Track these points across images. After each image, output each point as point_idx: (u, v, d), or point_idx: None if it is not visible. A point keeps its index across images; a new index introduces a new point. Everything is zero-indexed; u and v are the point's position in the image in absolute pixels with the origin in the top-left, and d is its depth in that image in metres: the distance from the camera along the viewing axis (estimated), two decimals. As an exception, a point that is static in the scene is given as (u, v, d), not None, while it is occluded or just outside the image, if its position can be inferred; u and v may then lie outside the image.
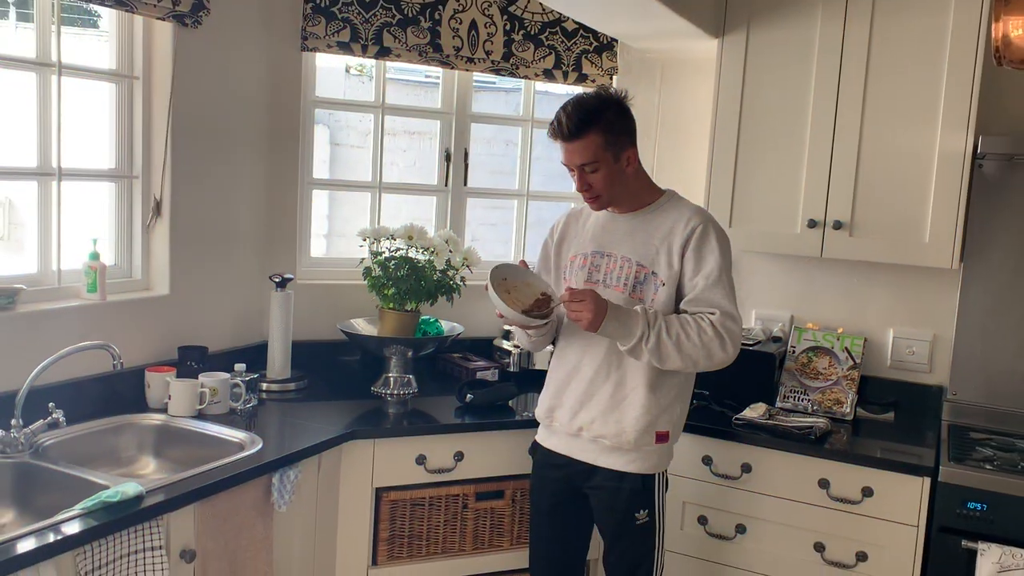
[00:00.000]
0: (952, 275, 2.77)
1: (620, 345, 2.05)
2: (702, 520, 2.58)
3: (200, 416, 2.38)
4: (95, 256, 2.40)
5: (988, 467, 2.31)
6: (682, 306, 2.11)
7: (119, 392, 2.42)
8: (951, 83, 2.50)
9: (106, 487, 1.81)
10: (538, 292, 2.15)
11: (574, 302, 2.00)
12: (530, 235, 3.42)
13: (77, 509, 1.71)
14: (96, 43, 2.57)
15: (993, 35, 1.65)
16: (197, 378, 2.42)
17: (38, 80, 2.30)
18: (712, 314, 2.05)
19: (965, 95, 2.48)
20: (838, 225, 2.64)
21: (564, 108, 2.08)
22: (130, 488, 1.78)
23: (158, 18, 2.45)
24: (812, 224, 2.68)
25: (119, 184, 2.56)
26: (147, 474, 2.27)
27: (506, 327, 3.09)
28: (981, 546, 2.19)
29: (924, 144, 2.54)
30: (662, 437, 2.15)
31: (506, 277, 2.13)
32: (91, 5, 2.32)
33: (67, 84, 2.35)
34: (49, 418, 2.10)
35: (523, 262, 2.26)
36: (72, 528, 1.66)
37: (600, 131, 2.05)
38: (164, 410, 2.39)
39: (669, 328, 2.02)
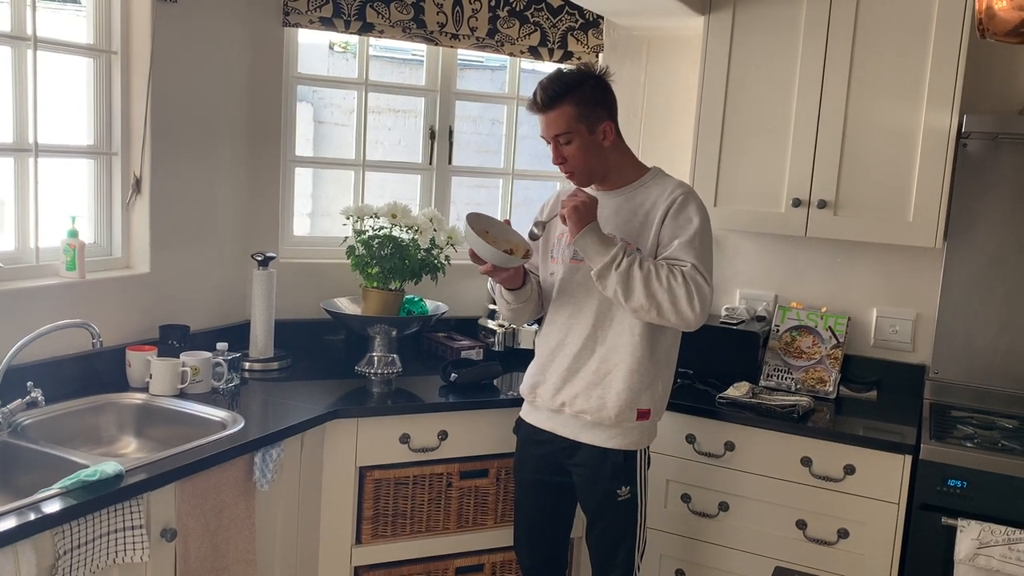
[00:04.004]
0: (935, 254, 2.78)
1: (592, 265, 2.04)
2: (685, 498, 2.59)
3: (182, 395, 2.36)
4: (74, 234, 2.37)
5: (969, 445, 2.33)
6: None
7: (99, 371, 2.40)
8: (936, 61, 2.49)
9: (85, 466, 1.79)
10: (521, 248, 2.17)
11: (575, 196, 2.04)
12: (516, 214, 3.40)
13: (56, 488, 1.70)
14: (74, 18, 2.52)
15: (977, 7, 1.63)
16: (179, 357, 2.40)
17: (13, 55, 2.26)
18: (684, 266, 2.04)
19: (950, 74, 2.48)
20: (822, 204, 2.64)
21: (542, 81, 2.10)
22: (109, 467, 1.77)
23: (136, -9, 2.41)
24: (797, 203, 2.67)
25: (98, 161, 2.53)
26: (128, 453, 2.26)
27: (490, 306, 3.08)
28: (961, 523, 2.21)
29: (909, 123, 2.54)
30: (643, 414, 2.15)
31: (488, 230, 2.14)
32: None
33: (44, 59, 2.31)
34: (28, 397, 2.08)
35: (507, 221, 2.25)
36: (50, 507, 1.64)
37: (573, 102, 2.07)
38: (145, 389, 2.37)
39: (642, 262, 2.02)
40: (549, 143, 2.13)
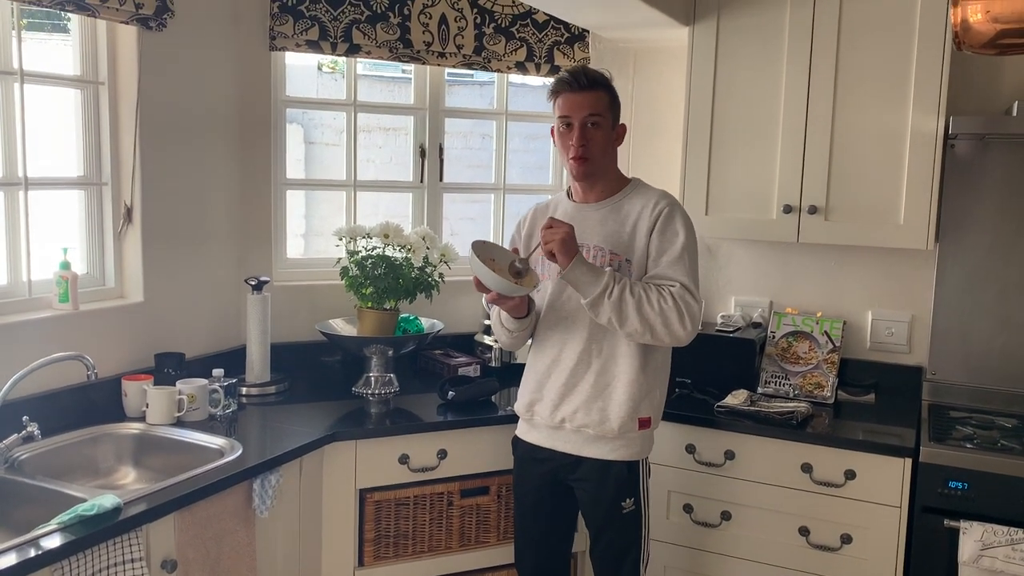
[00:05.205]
0: (928, 256, 2.78)
1: (583, 296, 2.04)
2: (687, 508, 2.58)
3: (179, 423, 2.36)
4: (66, 265, 2.37)
5: (968, 446, 2.32)
6: (643, 280, 2.12)
7: (96, 402, 2.39)
8: (921, 65, 2.50)
9: (83, 500, 1.78)
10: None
11: (552, 228, 2.03)
12: (508, 228, 3.41)
13: (53, 524, 1.69)
14: (63, 48, 2.52)
15: (952, 20, 1.64)
16: (175, 385, 2.40)
17: (0, 88, 2.26)
18: (672, 286, 2.06)
19: (935, 76, 2.49)
20: (813, 210, 2.64)
21: (575, 69, 2.17)
22: (107, 500, 1.76)
23: (121, 22, 2.41)
24: (787, 210, 2.68)
25: (88, 191, 2.53)
26: (126, 484, 2.25)
27: (486, 321, 3.08)
28: (963, 525, 2.21)
29: (896, 126, 2.55)
30: (644, 423, 2.16)
31: (493, 258, 2.13)
32: (54, 11, 2.28)
33: (31, 91, 2.32)
34: (24, 432, 2.07)
35: (516, 250, 2.25)
36: (49, 543, 1.63)
37: (608, 92, 2.16)
38: (142, 419, 2.36)
39: (632, 287, 2.03)
40: (572, 124, 2.12)
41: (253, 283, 2.72)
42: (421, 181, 3.24)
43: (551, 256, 2.05)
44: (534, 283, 2.14)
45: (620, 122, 2.22)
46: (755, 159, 2.72)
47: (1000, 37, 1.58)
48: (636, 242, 2.13)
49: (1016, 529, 2.16)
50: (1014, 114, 2.46)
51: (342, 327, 2.88)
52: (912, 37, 2.50)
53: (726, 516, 2.54)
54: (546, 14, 3.11)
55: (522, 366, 2.34)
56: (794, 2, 2.63)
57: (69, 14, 2.36)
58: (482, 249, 2.10)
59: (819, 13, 2.60)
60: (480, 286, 2.08)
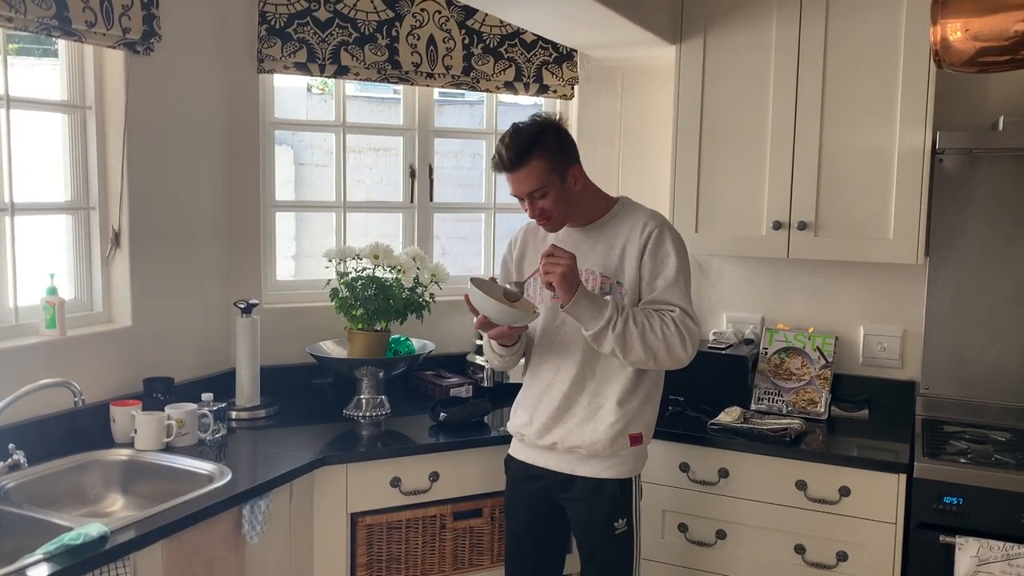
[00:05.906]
0: (918, 270, 2.78)
1: (586, 329, 2.02)
2: (682, 528, 2.56)
3: (168, 449, 2.33)
4: (53, 291, 2.35)
5: (962, 460, 2.31)
6: (641, 306, 2.11)
7: (84, 428, 2.37)
8: (907, 80, 2.51)
9: (69, 529, 1.76)
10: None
11: (553, 256, 1.98)
12: (499, 247, 3.41)
13: (39, 554, 1.67)
14: (52, 72, 2.52)
15: (932, 39, 1.64)
16: (163, 410, 2.38)
17: (-14, 114, 2.26)
18: (672, 311, 2.05)
19: (921, 91, 2.50)
20: (803, 226, 2.65)
21: (502, 140, 2.06)
22: (93, 529, 1.74)
23: (108, 47, 2.41)
24: (777, 226, 2.68)
25: (75, 216, 2.52)
26: (115, 511, 2.22)
27: (478, 342, 3.07)
28: (959, 540, 2.19)
29: (884, 142, 2.56)
30: (636, 439, 2.15)
31: (483, 292, 2.11)
32: (42, 35, 2.28)
33: (18, 116, 2.31)
34: (10, 460, 2.05)
35: (493, 278, 2.25)
36: (34, 574, 1.61)
37: (541, 156, 2.03)
38: (131, 445, 2.34)
39: (635, 317, 2.02)
40: (523, 200, 2.09)
41: (242, 306, 2.70)
42: (411, 201, 3.23)
43: (550, 287, 2.02)
44: (533, 310, 2.14)
45: (573, 165, 2.09)
46: (744, 176, 2.73)
47: (980, 55, 1.58)
48: (626, 264, 2.13)
49: (1012, 544, 2.14)
50: (1000, 128, 2.47)
51: (332, 349, 2.87)
52: (898, 52, 2.52)
53: (721, 535, 2.52)
54: (534, 34, 3.12)
55: (516, 386, 2.33)
56: (780, 20, 2.64)
57: (56, 39, 2.35)
58: (478, 285, 2.08)
59: (805, 30, 2.61)
60: (485, 323, 2.07)
